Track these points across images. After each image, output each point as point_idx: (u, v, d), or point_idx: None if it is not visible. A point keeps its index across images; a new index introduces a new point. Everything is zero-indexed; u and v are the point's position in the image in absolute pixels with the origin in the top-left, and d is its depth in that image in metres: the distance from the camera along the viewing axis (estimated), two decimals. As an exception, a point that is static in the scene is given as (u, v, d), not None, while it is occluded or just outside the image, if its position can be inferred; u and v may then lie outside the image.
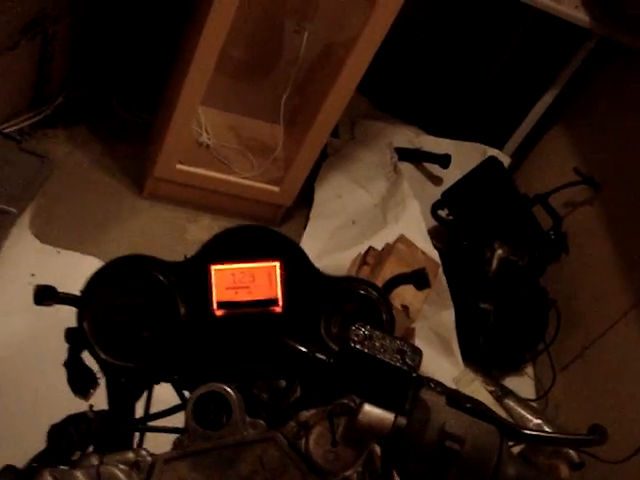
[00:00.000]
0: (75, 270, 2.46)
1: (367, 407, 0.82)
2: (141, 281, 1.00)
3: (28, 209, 2.29)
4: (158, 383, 1.11)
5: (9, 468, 0.86)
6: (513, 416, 2.65)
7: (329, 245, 2.86)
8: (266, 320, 1.01)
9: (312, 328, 1.01)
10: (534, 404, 2.88)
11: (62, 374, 2.07)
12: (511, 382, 2.94)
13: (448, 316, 2.74)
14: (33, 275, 2.38)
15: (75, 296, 1.04)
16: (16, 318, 2.26)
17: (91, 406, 1.06)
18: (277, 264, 1.01)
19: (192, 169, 2.75)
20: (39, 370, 2.16)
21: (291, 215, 3.07)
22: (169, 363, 1.01)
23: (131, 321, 1.00)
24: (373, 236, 2.84)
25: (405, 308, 2.36)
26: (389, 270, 2.42)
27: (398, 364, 0.82)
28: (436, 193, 3.32)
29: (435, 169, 3.47)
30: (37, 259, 2.42)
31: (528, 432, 0.88)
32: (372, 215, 3.03)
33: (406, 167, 3.38)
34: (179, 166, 2.71)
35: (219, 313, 1.01)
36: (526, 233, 3.08)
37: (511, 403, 2.69)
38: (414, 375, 0.82)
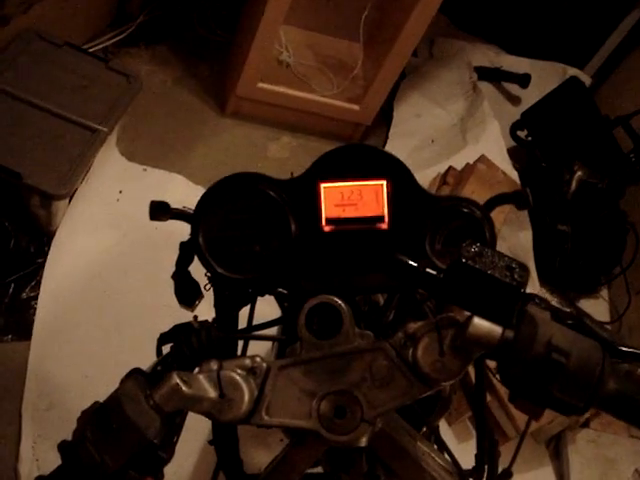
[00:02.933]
0: (161, 187, 2.54)
1: (477, 320, 0.85)
2: (252, 198, 1.05)
3: (116, 127, 2.34)
4: (263, 295, 1.17)
5: (137, 370, 0.93)
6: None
7: (408, 163, 2.82)
8: (372, 236, 1.05)
9: (416, 245, 1.04)
10: (609, 327, 2.89)
11: (151, 287, 2.17)
12: (586, 304, 2.95)
13: (526, 237, 2.74)
14: (120, 192, 2.45)
15: (189, 212, 1.09)
16: (105, 234, 2.34)
17: (195, 317, 1.13)
18: (384, 182, 1.04)
19: (273, 87, 2.77)
20: (129, 285, 2.26)
21: (370, 134, 3.07)
22: (278, 276, 1.06)
23: (243, 236, 1.05)
24: (452, 156, 2.83)
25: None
26: (470, 190, 2.43)
27: (507, 280, 0.85)
28: (515, 113, 3.28)
29: (514, 89, 3.42)
30: (124, 177, 2.49)
31: (626, 349, 0.91)
32: (451, 135, 3.01)
33: (485, 86, 3.33)
34: (260, 84, 2.72)
35: (327, 229, 1.05)
36: (606, 155, 3.02)
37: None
38: (522, 291, 0.85)
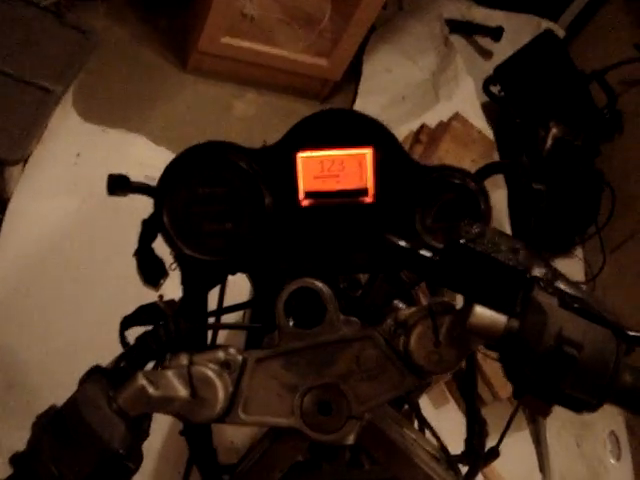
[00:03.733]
0: (122, 148, 2.41)
1: (479, 309, 0.77)
2: (222, 169, 0.94)
3: (71, 87, 2.19)
4: (234, 274, 1.07)
5: (97, 369, 0.83)
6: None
7: (378, 122, 2.75)
8: (355, 211, 0.95)
9: (405, 220, 0.95)
10: (583, 286, 2.85)
11: (115, 258, 2.06)
12: (560, 264, 2.89)
13: (500, 196, 2.67)
14: (79, 155, 2.32)
15: (151, 185, 0.99)
16: (63, 200, 2.22)
17: (161, 296, 1.03)
18: (368, 151, 0.94)
19: (237, 42, 2.63)
20: (91, 255, 2.14)
21: (339, 90, 2.96)
22: (252, 256, 0.96)
23: (212, 212, 0.94)
24: (425, 113, 2.74)
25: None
26: (444, 149, 2.35)
27: (511, 263, 0.76)
28: (487, 68, 3.18)
29: (486, 42, 3.31)
30: (82, 139, 2.36)
31: (634, 334, 0.83)
32: (423, 91, 2.91)
33: (456, 40, 3.22)
34: (224, 39, 2.59)
35: (306, 203, 0.95)
36: (581, 112, 2.95)
37: (562, 286, 2.65)
38: (528, 275, 0.76)
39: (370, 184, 0.94)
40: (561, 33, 3.28)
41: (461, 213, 0.95)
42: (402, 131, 2.67)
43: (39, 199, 2.18)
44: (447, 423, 1.21)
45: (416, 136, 2.54)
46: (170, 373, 0.82)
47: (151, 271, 1.07)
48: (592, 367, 0.73)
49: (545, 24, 3.28)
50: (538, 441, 2.43)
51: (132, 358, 0.86)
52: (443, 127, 2.44)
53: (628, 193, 2.89)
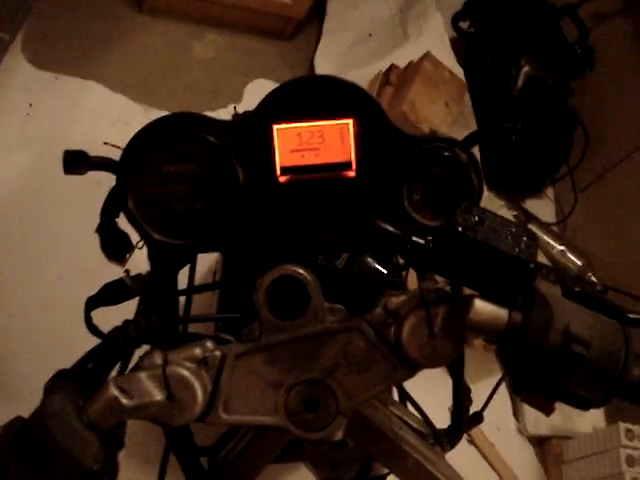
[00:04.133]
0: (76, 96, 2.29)
1: (479, 303, 0.71)
2: (190, 144, 0.85)
3: (20, 33, 2.06)
4: (205, 252, 1.00)
5: (63, 374, 0.76)
6: (536, 242, 2.58)
7: (345, 61, 2.64)
8: (337, 187, 0.88)
9: (390, 196, 0.88)
10: (555, 228, 2.82)
11: (75, 214, 1.96)
12: (531, 205, 2.86)
13: (471, 137, 2.60)
14: (31, 105, 2.20)
15: (113, 161, 0.90)
16: (17, 153, 2.11)
17: (127, 271, 0.95)
18: (350, 121, 0.86)
19: (195, -21, 2.49)
20: (50, 212, 2.04)
21: (303, 28, 2.83)
22: (225, 236, 0.88)
23: (181, 191, 0.86)
24: (393, 52, 2.63)
25: (433, 132, 2.22)
26: (415, 91, 2.25)
27: (515, 253, 0.70)
28: (455, 2, 3.06)
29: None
30: (34, 87, 2.23)
31: (635, 317, 0.78)
32: (390, 28, 2.79)
33: (421, -29, 3.09)
34: (181, -24, 2.44)
35: (283, 179, 0.87)
36: (552, 47, 2.86)
37: (534, 229, 2.62)
38: (532, 266, 0.70)
39: (353, 157, 0.86)
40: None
41: (450, 187, 0.88)
42: (370, 71, 2.57)
43: (-11, 154, 2.07)
44: (430, 388, 1.17)
45: (385, 77, 2.43)
46: (144, 376, 0.76)
47: (115, 246, 0.99)
48: (600, 365, 0.68)
49: (515, -44, 3.15)
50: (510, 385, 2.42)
51: (100, 359, 0.79)
52: (413, 68, 2.34)
53: (599, 131, 2.84)
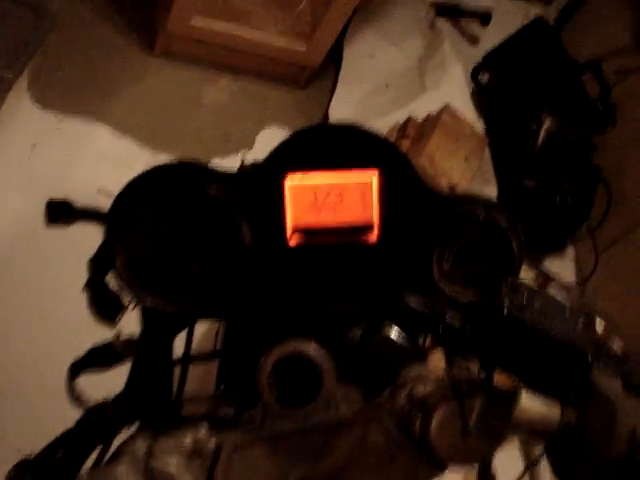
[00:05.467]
0: (81, 139, 2.23)
1: (526, 397, 0.59)
2: (190, 197, 0.74)
3: (25, 72, 1.98)
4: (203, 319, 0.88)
5: (26, 467, 0.64)
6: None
7: (361, 111, 2.57)
8: (356, 252, 0.76)
9: (416, 264, 0.76)
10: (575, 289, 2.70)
11: (72, 266, 1.86)
12: (551, 264, 2.75)
13: (490, 192, 2.52)
14: (34, 146, 2.13)
15: (101, 212, 0.79)
16: (16, 197, 2.03)
17: (118, 334, 0.88)
18: (374, 177, 0.75)
19: (209, 23, 2.42)
20: (45, 261, 1.94)
21: (318, 77, 2.76)
22: (227, 304, 0.77)
23: (178, 251, 0.75)
24: (410, 103, 2.57)
25: (452, 188, 2.12)
26: (435, 145, 2.17)
27: (570, 339, 0.59)
28: (474, 54, 2.99)
29: (473, 27, 3.11)
30: (38, 128, 2.16)
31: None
32: (408, 78, 2.72)
33: (441, 24, 3.02)
34: (195, 20, 2.38)
35: (294, 242, 0.76)
36: (573, 103, 2.78)
37: (553, 291, 2.51)
38: (589, 357, 0.59)
39: (375, 219, 0.75)
40: (552, 19, 3.10)
41: (487, 255, 0.76)
42: (387, 122, 2.50)
43: (-11, 195, 1.98)
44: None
45: (402, 129, 2.35)
46: (123, 470, 0.64)
47: (105, 306, 0.88)
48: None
49: (534, 9, 3.10)
50: (530, 460, 2.27)
51: (72, 446, 0.67)
52: (432, 121, 2.26)
53: (621, 190, 2.74)
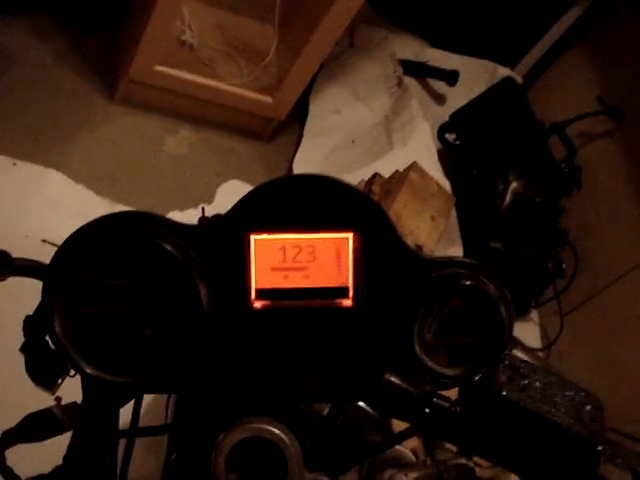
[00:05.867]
0: (34, 185, 2.13)
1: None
2: (141, 252, 0.65)
3: (-21, 112, 1.90)
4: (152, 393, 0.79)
5: None
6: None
7: (325, 167, 2.51)
8: (328, 318, 0.68)
9: (395, 333, 0.68)
10: (540, 354, 2.65)
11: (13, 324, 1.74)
12: (515, 329, 2.68)
13: (456, 253, 2.47)
14: (-16, 190, 2.02)
15: (42, 266, 0.70)
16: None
17: (58, 399, 0.78)
18: (350, 235, 0.67)
19: (173, 71, 2.39)
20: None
21: (283, 130, 2.72)
22: (181, 374, 0.68)
23: (126, 313, 0.66)
24: (377, 160, 2.52)
25: (419, 248, 2.06)
26: (401, 203, 2.11)
27: (575, 429, 0.51)
28: (441, 113, 2.98)
29: (439, 86, 3.11)
30: (-10, 172, 2.05)
31: None
32: (375, 135, 2.68)
33: (408, 82, 3.01)
34: (158, 67, 2.34)
35: (258, 305, 0.68)
36: (539, 164, 2.77)
37: (519, 354, 2.44)
38: (598, 448, 0.51)
39: (350, 281, 0.67)
40: (519, 80, 3.10)
41: (473, 324, 0.68)
42: (352, 178, 2.43)
43: None
44: None
45: (368, 186, 2.29)
46: None
47: (43, 369, 0.78)
48: None
49: (502, 70, 3.10)
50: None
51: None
52: (399, 178, 2.20)
53: (586, 253, 2.72)
